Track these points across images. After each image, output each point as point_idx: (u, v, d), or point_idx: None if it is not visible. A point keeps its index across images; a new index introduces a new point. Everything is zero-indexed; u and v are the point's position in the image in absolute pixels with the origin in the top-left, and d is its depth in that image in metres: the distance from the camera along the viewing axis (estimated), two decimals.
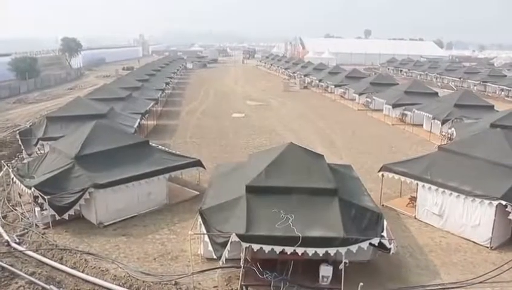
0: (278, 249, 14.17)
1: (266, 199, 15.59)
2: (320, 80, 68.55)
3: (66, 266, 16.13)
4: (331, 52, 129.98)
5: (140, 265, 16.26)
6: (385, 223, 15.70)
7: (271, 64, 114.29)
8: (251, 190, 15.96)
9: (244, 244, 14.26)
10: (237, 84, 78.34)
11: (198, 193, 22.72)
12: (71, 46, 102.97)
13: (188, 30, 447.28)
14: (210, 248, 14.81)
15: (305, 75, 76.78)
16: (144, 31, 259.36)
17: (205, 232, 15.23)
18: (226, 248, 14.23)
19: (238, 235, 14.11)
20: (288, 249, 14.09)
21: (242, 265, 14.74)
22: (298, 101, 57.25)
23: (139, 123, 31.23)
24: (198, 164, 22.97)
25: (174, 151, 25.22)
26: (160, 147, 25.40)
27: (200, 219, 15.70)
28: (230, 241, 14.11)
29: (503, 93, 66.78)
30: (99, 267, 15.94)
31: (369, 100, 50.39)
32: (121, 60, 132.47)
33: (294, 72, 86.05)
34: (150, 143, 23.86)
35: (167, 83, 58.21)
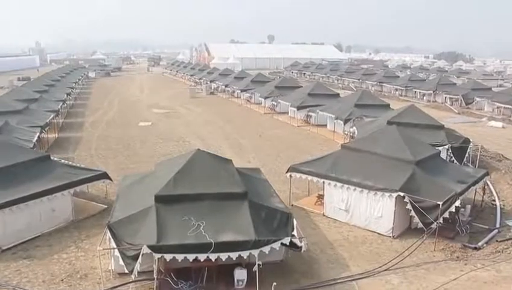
0: (191, 257, 14.05)
1: (176, 208, 15.41)
2: (226, 85, 69.19)
3: None
4: (236, 57, 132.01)
5: (47, 289, 15.29)
6: (295, 222, 16.16)
7: (177, 71, 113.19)
8: (160, 199, 15.69)
9: (156, 255, 13.98)
10: (143, 92, 76.63)
11: (106, 206, 21.87)
12: None
13: (89, 38, 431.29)
14: (121, 262, 14.35)
15: (211, 81, 76.93)
16: (41, 39, 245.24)
17: (115, 246, 14.72)
18: (138, 261, 13.84)
19: (149, 247, 13.79)
20: (202, 256, 14.01)
21: (155, 277, 14.44)
22: (205, 107, 57.22)
23: (38, 137, 29.42)
24: (104, 176, 22.08)
25: (78, 165, 24.09)
26: (62, 161, 24.14)
27: (108, 233, 15.12)
28: (141, 253, 13.75)
29: (397, 92, 72.11)
30: None
31: (275, 103, 51.57)
32: (15, 70, 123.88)
33: (200, 79, 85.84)
34: (52, 157, 22.58)
35: (68, 94, 55.54)
